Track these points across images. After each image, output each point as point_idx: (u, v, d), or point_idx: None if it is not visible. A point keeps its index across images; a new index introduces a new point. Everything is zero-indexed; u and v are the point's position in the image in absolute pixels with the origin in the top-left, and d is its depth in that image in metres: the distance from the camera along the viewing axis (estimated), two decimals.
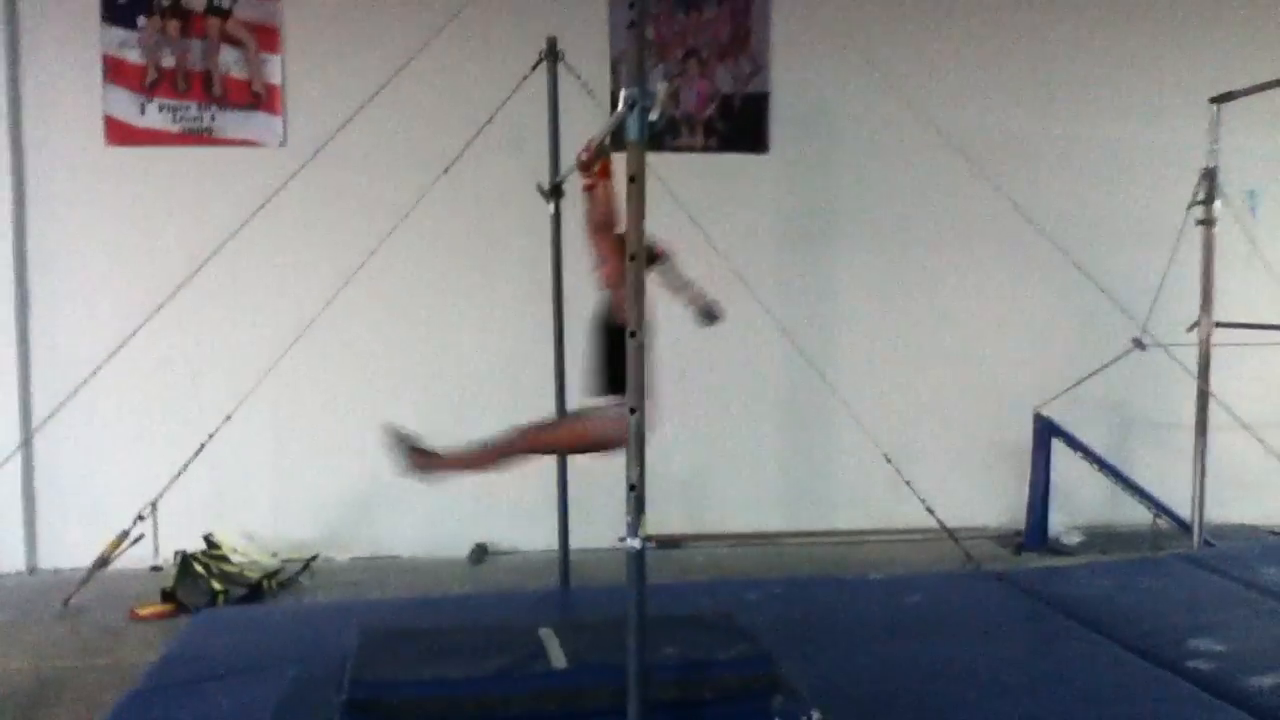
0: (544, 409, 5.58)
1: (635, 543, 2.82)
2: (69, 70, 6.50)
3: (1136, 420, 7.14)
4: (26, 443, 6.12)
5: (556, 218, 5.12)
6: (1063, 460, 6.70)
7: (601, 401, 3.93)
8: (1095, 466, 6.55)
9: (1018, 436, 6.79)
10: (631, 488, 2.84)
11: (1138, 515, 6.69)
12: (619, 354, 3.69)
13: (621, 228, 3.56)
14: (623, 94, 2.98)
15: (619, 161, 3.11)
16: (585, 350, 4.17)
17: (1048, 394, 6.55)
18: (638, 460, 2.86)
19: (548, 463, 5.61)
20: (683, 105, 7.00)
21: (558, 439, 4.35)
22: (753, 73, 7.01)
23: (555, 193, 5.12)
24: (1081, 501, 6.96)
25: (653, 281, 3.93)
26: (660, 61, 6.95)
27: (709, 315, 4.30)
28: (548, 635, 3.54)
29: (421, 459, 4.09)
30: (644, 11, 2.98)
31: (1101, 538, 6.81)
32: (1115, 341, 6.27)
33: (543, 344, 5.18)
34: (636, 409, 2.87)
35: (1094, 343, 6.55)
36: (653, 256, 4.21)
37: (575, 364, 5.25)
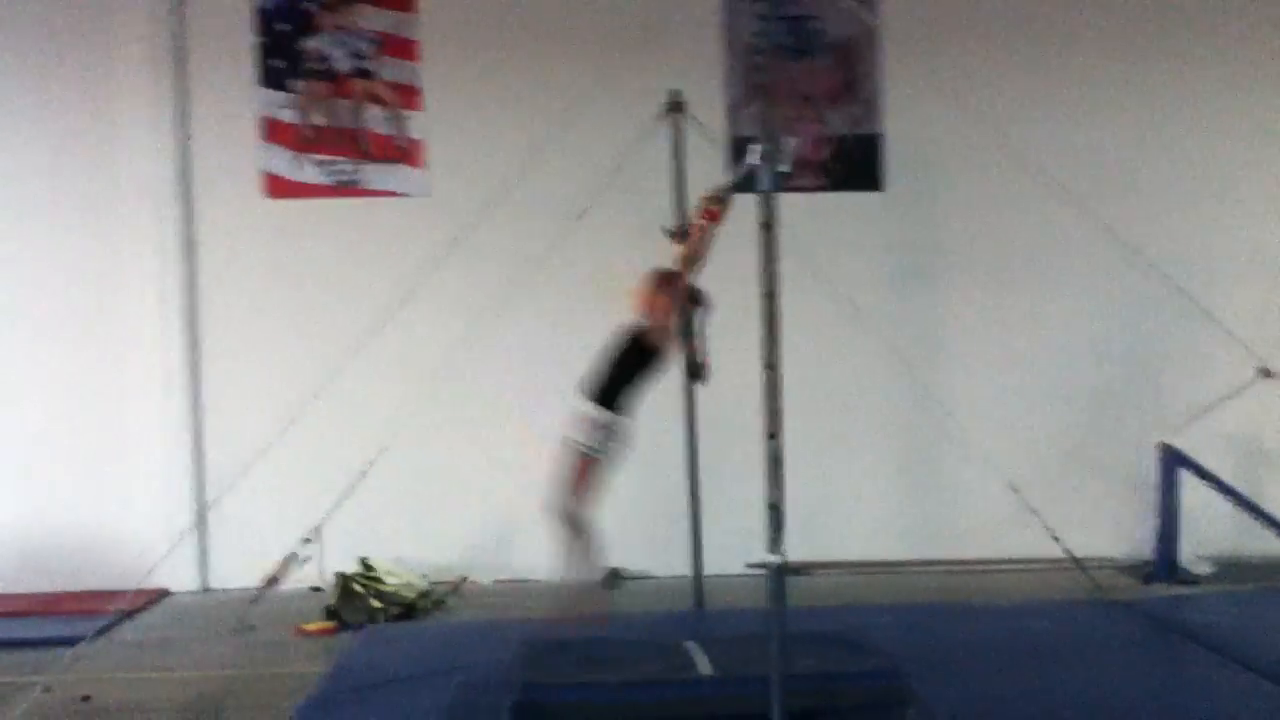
0: (669, 436, 5.90)
1: (775, 558, 3.08)
2: (232, 132, 7.09)
3: (1265, 450, 7.08)
4: (202, 503, 6.68)
5: None
6: (1189, 490, 6.66)
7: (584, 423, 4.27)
8: (1225, 496, 6.52)
9: (1142, 467, 6.79)
10: (773, 507, 3.11)
11: (1269, 545, 6.60)
12: (629, 372, 4.11)
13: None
14: (756, 148, 3.26)
15: (743, 206, 3.40)
16: (600, 352, 4.48)
17: (1172, 424, 6.57)
18: (777, 482, 3.12)
19: (677, 489, 5.91)
20: (798, 148, 7.25)
21: (568, 490, 4.55)
22: (864, 116, 7.23)
23: (681, 234, 5.43)
24: (1210, 532, 6.90)
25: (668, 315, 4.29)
26: (776, 108, 7.22)
27: (698, 373, 4.58)
28: (694, 648, 3.81)
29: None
30: (766, 70, 3.27)
31: (1233, 568, 6.74)
32: (1240, 370, 6.26)
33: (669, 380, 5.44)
34: (775, 434, 3.14)
35: (1218, 372, 6.56)
36: (698, 300, 4.55)
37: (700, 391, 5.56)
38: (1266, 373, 6.11)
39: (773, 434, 3.13)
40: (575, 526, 4.47)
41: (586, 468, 4.29)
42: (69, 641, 5.06)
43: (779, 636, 3.07)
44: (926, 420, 6.72)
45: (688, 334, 4.60)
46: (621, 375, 4.32)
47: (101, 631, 5.61)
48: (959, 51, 7.18)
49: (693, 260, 4.36)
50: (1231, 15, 7.28)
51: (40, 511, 6.87)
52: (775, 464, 3.13)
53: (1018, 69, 7.26)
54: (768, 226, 3.29)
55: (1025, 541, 6.34)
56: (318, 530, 5.83)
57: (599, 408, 4.31)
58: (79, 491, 6.92)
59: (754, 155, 3.27)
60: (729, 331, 4.84)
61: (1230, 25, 7.28)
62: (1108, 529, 7.05)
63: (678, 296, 4.33)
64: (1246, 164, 7.23)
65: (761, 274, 3.25)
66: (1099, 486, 7.15)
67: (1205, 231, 7.20)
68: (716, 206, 4.12)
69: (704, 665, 3.64)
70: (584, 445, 4.28)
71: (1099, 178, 7.15)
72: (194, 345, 7.00)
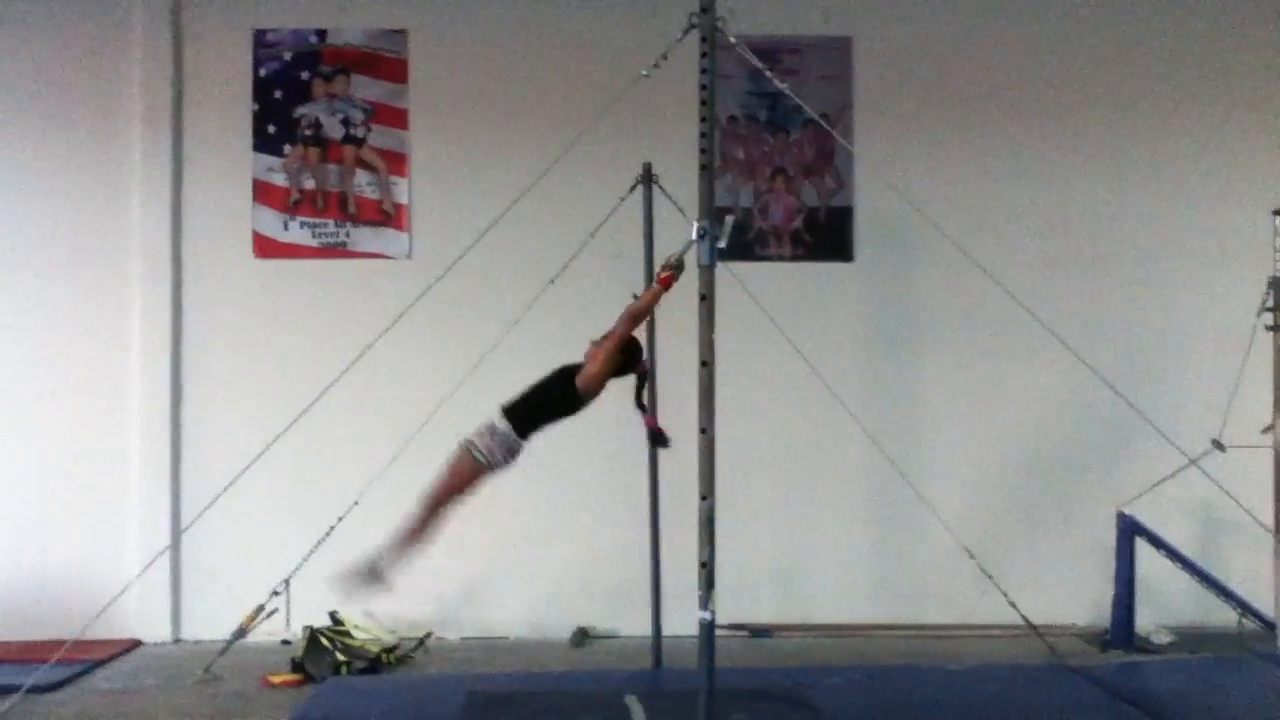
0: (639, 500, 6.05)
1: (706, 614, 3.22)
2: (223, 193, 7.33)
3: (1222, 520, 7.19)
4: (175, 543, 6.79)
5: (650, 322, 5.62)
6: (1151, 558, 6.79)
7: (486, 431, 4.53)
8: (1178, 564, 6.64)
9: (1104, 534, 6.92)
10: (703, 565, 3.25)
11: (1228, 615, 6.71)
12: (548, 403, 4.32)
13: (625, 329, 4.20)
14: (694, 225, 3.46)
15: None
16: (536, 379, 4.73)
17: (1132, 492, 6.70)
18: (709, 541, 3.28)
19: (645, 548, 6.03)
20: (771, 218, 7.49)
21: (440, 486, 4.78)
22: (837, 188, 7.49)
23: None
24: (1171, 600, 7.02)
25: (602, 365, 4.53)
26: (750, 179, 7.49)
27: (659, 440, 4.77)
28: (632, 702, 3.93)
29: (375, 575, 4.75)
30: (713, 154, 3.48)
31: (1192, 637, 6.83)
32: (1198, 442, 6.41)
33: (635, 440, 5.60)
34: (707, 496, 3.30)
35: (1178, 441, 6.69)
36: (638, 366, 4.77)
37: (668, 459, 5.71)
38: (1219, 445, 6.26)
39: (704, 495, 3.28)
40: (424, 521, 4.59)
41: (467, 472, 4.46)
42: (38, 689, 5.17)
43: (706, 692, 3.19)
44: (895, 485, 6.86)
45: (642, 406, 4.79)
46: (541, 403, 4.54)
47: (71, 680, 5.72)
48: (926, 124, 7.46)
49: (638, 318, 4.59)
50: (1198, 90, 7.56)
51: (14, 559, 7.01)
52: (708, 524, 3.27)
53: (984, 146, 7.53)
54: (705, 298, 3.46)
55: (990, 607, 6.44)
56: (286, 583, 5.95)
57: (507, 423, 4.49)
58: (56, 540, 7.05)
59: (693, 231, 3.45)
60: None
61: (1197, 99, 7.56)
62: (1071, 596, 7.18)
63: (614, 350, 4.54)
64: (1210, 235, 7.46)
65: (700, 343, 3.41)
66: (1062, 553, 7.29)
67: (1167, 302, 7.44)
68: (668, 273, 4.33)
69: (639, 717, 3.75)
70: (477, 450, 4.45)
71: (1065, 248, 7.44)
72: (176, 399, 7.17)
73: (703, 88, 3.65)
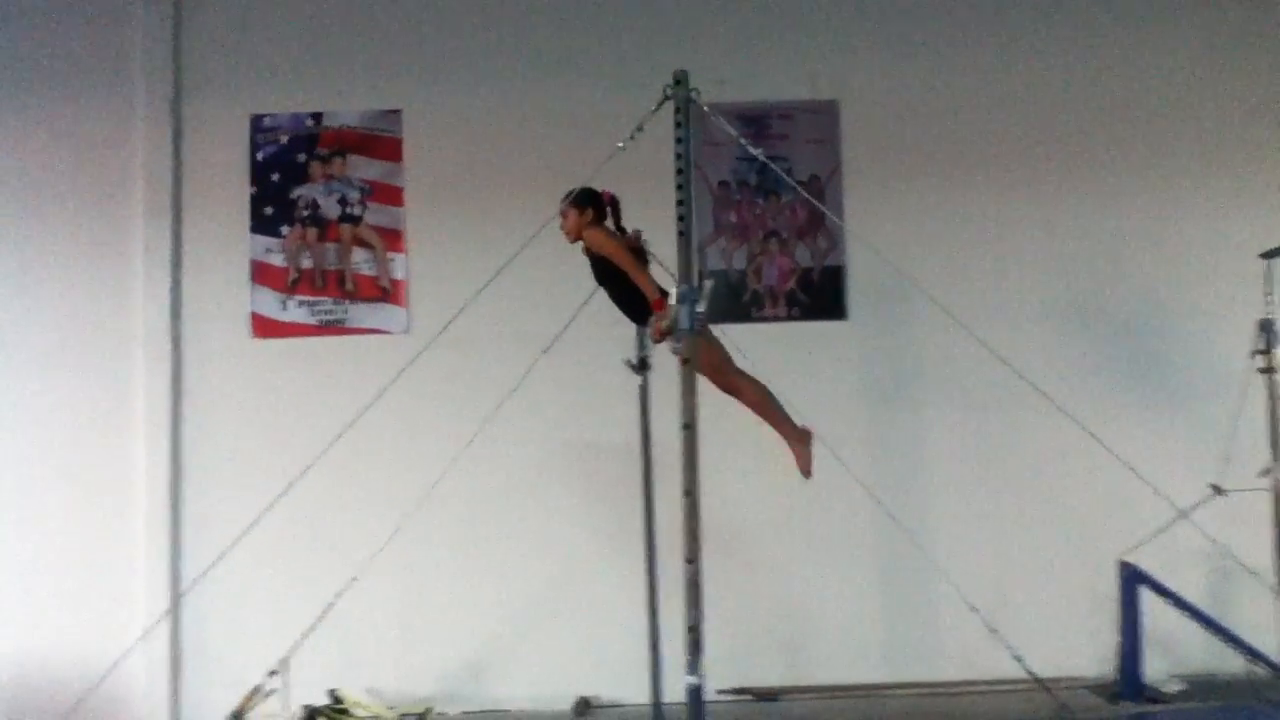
0: (639, 566, 6.04)
1: (694, 679, 3.21)
2: (222, 274, 7.44)
3: (1228, 565, 7.14)
4: (174, 608, 6.81)
5: (644, 388, 5.67)
6: (1160, 607, 6.73)
7: None
8: (1183, 612, 6.58)
9: (1110, 584, 6.87)
10: (690, 629, 3.25)
11: (1240, 663, 6.63)
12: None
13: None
14: (674, 290, 3.53)
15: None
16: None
17: (1138, 540, 6.66)
18: (695, 604, 3.28)
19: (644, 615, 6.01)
20: (765, 279, 7.56)
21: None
22: (829, 248, 7.57)
23: (642, 366, 5.69)
24: (1180, 648, 6.94)
25: None
26: (743, 242, 7.57)
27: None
28: None
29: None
30: (690, 221, 3.56)
31: (1203, 686, 6.74)
32: (1198, 486, 6.40)
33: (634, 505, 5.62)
34: (693, 559, 3.31)
35: (1178, 489, 6.67)
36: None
37: (662, 523, 5.73)
38: (1218, 490, 6.25)
39: (690, 559, 3.30)
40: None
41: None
42: None
43: None
44: (898, 542, 6.82)
45: None
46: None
47: None
48: (915, 185, 7.56)
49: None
50: (1185, 138, 7.65)
51: (19, 644, 7.00)
52: (693, 588, 3.28)
53: (972, 200, 7.61)
54: (686, 362, 3.50)
55: (1000, 661, 6.36)
56: (284, 662, 5.92)
57: None
58: (61, 625, 7.05)
59: (673, 297, 3.52)
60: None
61: (1185, 148, 7.64)
62: (1080, 648, 7.07)
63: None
64: (1202, 280, 7.48)
65: (682, 407, 3.45)
66: (1070, 604, 7.21)
67: (1162, 348, 7.46)
68: (660, 337, 4.48)
69: None
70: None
71: (1056, 299, 7.47)
72: (176, 482, 7.22)
73: (678, 157, 3.74)
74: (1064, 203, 7.59)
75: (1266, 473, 6.13)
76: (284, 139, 7.58)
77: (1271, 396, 6.05)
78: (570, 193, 5.17)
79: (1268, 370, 6.05)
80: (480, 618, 6.83)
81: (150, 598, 7.07)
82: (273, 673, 5.82)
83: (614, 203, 5.58)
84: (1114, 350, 7.38)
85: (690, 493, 3.39)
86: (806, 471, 4.92)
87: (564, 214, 5.38)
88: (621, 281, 5.07)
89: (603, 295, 6.01)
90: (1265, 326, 6.05)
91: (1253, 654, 6.47)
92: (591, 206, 5.45)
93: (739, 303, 7.46)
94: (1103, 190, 7.60)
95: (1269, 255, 6.10)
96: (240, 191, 7.51)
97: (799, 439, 5.03)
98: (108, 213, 7.46)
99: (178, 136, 7.49)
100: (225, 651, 6.90)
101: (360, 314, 7.49)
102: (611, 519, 6.85)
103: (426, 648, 7.05)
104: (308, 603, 6.10)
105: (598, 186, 5.44)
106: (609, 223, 5.57)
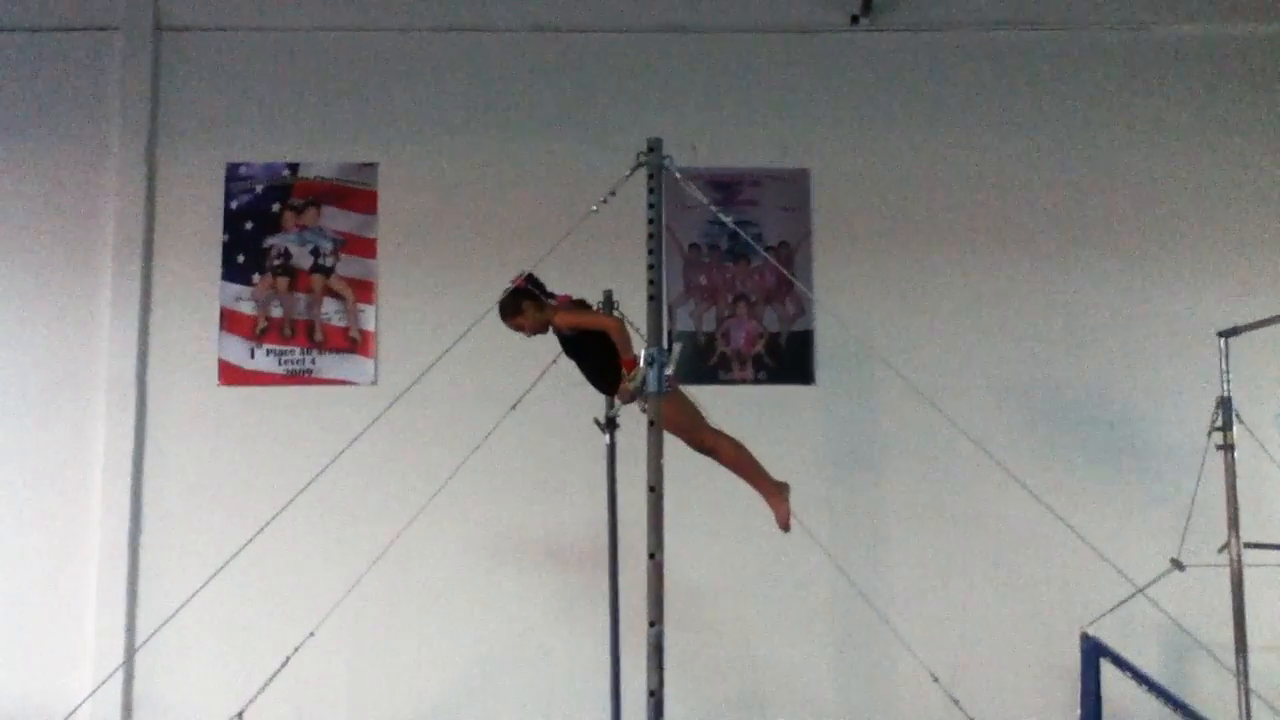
0: (599, 627, 6.00)
1: None
2: (190, 320, 7.41)
3: (1188, 639, 7.18)
4: (128, 660, 6.67)
5: (611, 447, 5.67)
6: (1120, 680, 6.73)
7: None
8: (1141, 685, 6.58)
9: (1071, 656, 6.88)
10: (650, 694, 3.23)
11: None
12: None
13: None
14: (642, 353, 3.55)
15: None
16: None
17: (1100, 612, 6.68)
18: (657, 668, 3.26)
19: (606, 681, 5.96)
20: (733, 342, 7.62)
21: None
22: (797, 313, 7.65)
23: (610, 425, 5.69)
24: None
25: None
26: (712, 304, 7.64)
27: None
28: None
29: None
30: (660, 284, 3.60)
31: None
32: (1159, 561, 6.43)
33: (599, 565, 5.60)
34: (655, 622, 3.30)
35: (1138, 562, 6.72)
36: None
37: (626, 580, 5.70)
38: (1178, 565, 6.29)
39: (653, 622, 3.29)
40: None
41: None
42: None
43: None
44: (859, 608, 6.81)
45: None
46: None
47: None
48: (884, 254, 7.68)
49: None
50: (1147, 219, 7.81)
51: None
52: (655, 652, 3.27)
53: (938, 271, 7.73)
54: (653, 424, 3.52)
55: None
56: (239, 715, 5.80)
57: None
58: (5, 675, 6.94)
59: (641, 359, 3.54)
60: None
61: (1146, 228, 7.80)
62: (1041, 718, 7.09)
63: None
64: (1161, 358, 7.63)
65: (648, 469, 3.46)
66: (1030, 675, 7.22)
67: (1123, 424, 7.56)
68: (631, 385, 4.51)
69: None
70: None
71: (1018, 373, 7.56)
72: (135, 529, 7.13)
73: (650, 221, 3.79)
74: (1027, 278, 7.73)
75: (1224, 548, 6.18)
76: (259, 188, 7.60)
77: (1230, 473, 6.12)
78: (502, 308, 5.11)
79: (1226, 447, 6.13)
80: (439, 677, 6.75)
81: (103, 649, 6.94)
82: None
83: (534, 280, 5.36)
84: (1075, 424, 7.49)
85: (654, 555, 3.38)
86: (785, 525, 4.89)
87: (518, 326, 5.22)
88: (592, 354, 4.98)
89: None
90: (1224, 404, 6.13)
91: None
92: (531, 299, 5.25)
93: (706, 364, 7.50)
94: (1065, 266, 7.75)
95: (1227, 334, 6.20)
96: (213, 238, 7.52)
97: (776, 493, 5.00)
98: (77, 255, 7.45)
99: (151, 180, 7.51)
100: (178, 704, 6.76)
101: (328, 364, 7.47)
102: (576, 579, 6.81)
103: (384, 706, 6.93)
104: (263, 656, 6.00)
105: (569, 247, 5.43)
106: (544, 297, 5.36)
